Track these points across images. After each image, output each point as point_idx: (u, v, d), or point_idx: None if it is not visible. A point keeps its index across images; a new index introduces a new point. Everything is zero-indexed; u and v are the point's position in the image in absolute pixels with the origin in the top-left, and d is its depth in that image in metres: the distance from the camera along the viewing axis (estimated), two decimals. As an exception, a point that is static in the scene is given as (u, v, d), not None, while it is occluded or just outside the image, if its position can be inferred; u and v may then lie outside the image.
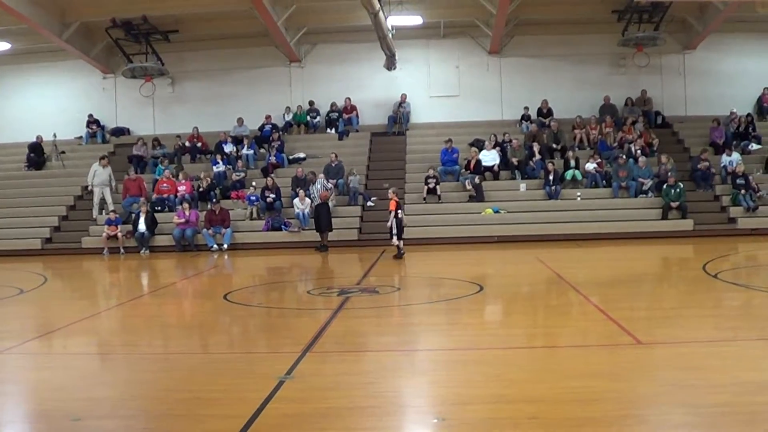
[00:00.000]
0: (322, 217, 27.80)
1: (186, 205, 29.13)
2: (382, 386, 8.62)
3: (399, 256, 23.28)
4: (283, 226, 29.02)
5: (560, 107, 34.58)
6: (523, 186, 30.86)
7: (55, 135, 35.00)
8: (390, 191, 24.55)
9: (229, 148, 33.57)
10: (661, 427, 6.96)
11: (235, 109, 35.69)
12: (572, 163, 31.05)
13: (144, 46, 33.92)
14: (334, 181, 30.51)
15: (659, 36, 32.41)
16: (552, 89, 35.30)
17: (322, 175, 29.98)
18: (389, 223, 23.69)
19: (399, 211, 23.37)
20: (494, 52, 35.80)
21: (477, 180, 30.25)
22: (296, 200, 29.32)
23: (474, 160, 31.17)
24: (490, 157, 31.57)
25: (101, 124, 36.96)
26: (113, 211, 29.80)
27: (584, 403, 7.64)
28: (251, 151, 33.56)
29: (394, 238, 23.45)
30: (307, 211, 28.71)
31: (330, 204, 28.68)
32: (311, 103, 36.02)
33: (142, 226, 28.72)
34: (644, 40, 32.79)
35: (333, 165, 31.18)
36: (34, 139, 35.18)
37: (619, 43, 33.38)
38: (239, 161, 32.73)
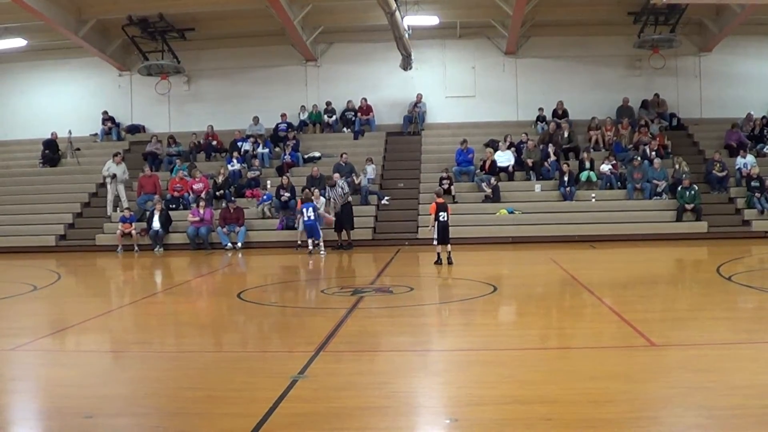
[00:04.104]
0: (345, 215, 27.89)
1: (202, 203, 29.16)
2: (396, 386, 8.62)
3: (438, 261, 21.29)
4: (297, 225, 29.00)
5: (576, 109, 34.55)
6: (537, 187, 30.85)
7: (70, 132, 35.10)
8: (434, 192, 23.37)
9: (247, 146, 33.60)
10: (674, 429, 6.94)
11: (250, 107, 35.78)
12: (587, 164, 31.00)
13: (160, 43, 34.00)
14: (349, 180, 30.46)
15: (675, 38, 32.34)
16: (567, 90, 35.26)
17: (337, 175, 29.80)
18: (429, 227, 21.80)
19: (441, 213, 21.25)
20: (510, 52, 35.80)
21: (494, 181, 30.22)
22: (311, 199, 29.37)
23: (489, 161, 31.15)
24: (505, 158, 31.57)
25: (116, 121, 37.11)
26: (128, 208, 29.87)
27: (597, 404, 7.63)
28: (266, 150, 33.59)
29: (435, 244, 21.40)
30: (322, 210, 28.71)
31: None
32: (328, 103, 36.02)
33: (156, 224, 28.76)
34: (660, 42, 32.74)
35: (343, 165, 31.15)
36: (49, 136, 35.30)
37: (634, 45, 33.33)
38: (254, 160, 32.74)
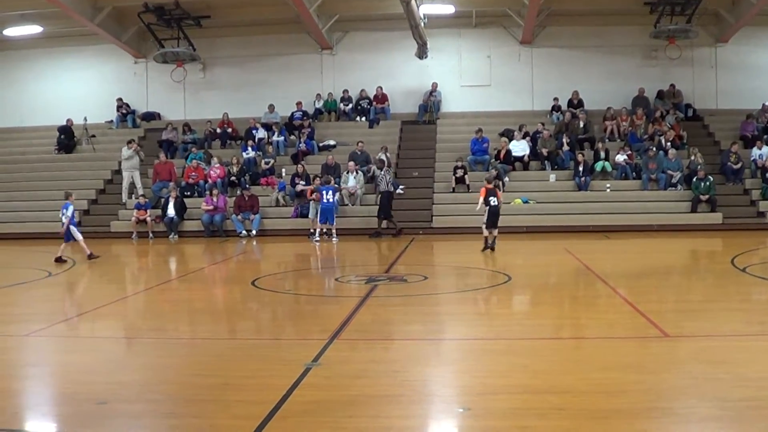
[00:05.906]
0: (383, 204, 28.17)
1: (216, 192, 29.18)
2: (409, 375, 8.64)
3: (486, 247, 21.68)
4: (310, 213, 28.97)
5: (591, 98, 34.39)
6: (552, 177, 30.80)
7: (85, 119, 35.23)
8: (485, 178, 23.26)
9: (261, 134, 33.62)
10: (687, 420, 6.93)
11: (265, 95, 35.76)
12: (602, 154, 30.91)
13: (176, 31, 33.87)
14: (365, 169, 30.46)
15: (691, 29, 32.10)
16: (583, 80, 35.09)
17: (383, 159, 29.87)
18: (478, 208, 22.16)
19: (491, 198, 21.58)
20: (526, 42, 35.65)
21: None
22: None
23: (504, 150, 31.09)
24: (519, 148, 31.50)
25: (132, 108, 37.11)
26: (143, 195, 29.90)
27: (611, 394, 7.64)
28: (281, 138, 33.60)
29: (483, 227, 21.82)
30: (336, 198, 28.59)
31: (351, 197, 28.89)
32: (345, 91, 36.01)
33: (171, 211, 28.80)
34: (676, 33, 32.49)
35: (359, 153, 31.13)
36: (65, 123, 35.37)
37: (651, 35, 33.07)
38: (269, 147, 32.77)
